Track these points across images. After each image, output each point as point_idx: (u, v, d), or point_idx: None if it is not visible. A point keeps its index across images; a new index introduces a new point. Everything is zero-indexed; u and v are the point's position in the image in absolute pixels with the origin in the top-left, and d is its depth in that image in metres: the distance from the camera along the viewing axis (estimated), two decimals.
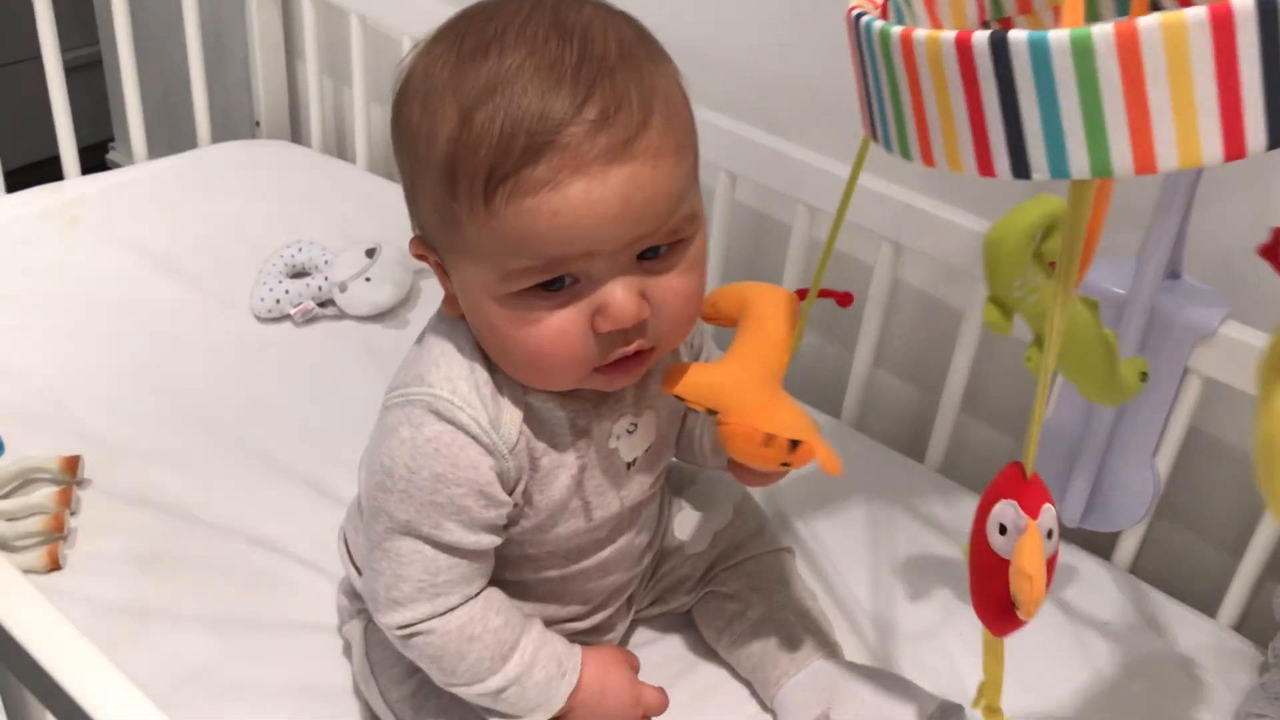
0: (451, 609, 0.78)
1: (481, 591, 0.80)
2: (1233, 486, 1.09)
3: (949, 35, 0.51)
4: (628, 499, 0.84)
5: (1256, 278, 1.01)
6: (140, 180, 1.56)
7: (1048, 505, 0.65)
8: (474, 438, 0.75)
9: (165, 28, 1.88)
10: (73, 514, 1.03)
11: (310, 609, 0.97)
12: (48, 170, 1.88)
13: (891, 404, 1.30)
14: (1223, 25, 0.48)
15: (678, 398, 0.77)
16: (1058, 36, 0.48)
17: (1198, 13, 0.47)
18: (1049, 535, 0.65)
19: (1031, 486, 0.65)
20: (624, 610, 0.94)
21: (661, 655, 0.95)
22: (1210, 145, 0.50)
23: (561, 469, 0.79)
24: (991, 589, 0.67)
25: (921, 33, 0.52)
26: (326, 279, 1.32)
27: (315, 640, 0.95)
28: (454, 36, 0.70)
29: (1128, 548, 1.08)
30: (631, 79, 0.68)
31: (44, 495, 1.03)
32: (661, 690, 0.86)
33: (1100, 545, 1.10)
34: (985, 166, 0.53)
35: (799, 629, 0.91)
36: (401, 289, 1.32)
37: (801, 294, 0.83)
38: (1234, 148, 0.50)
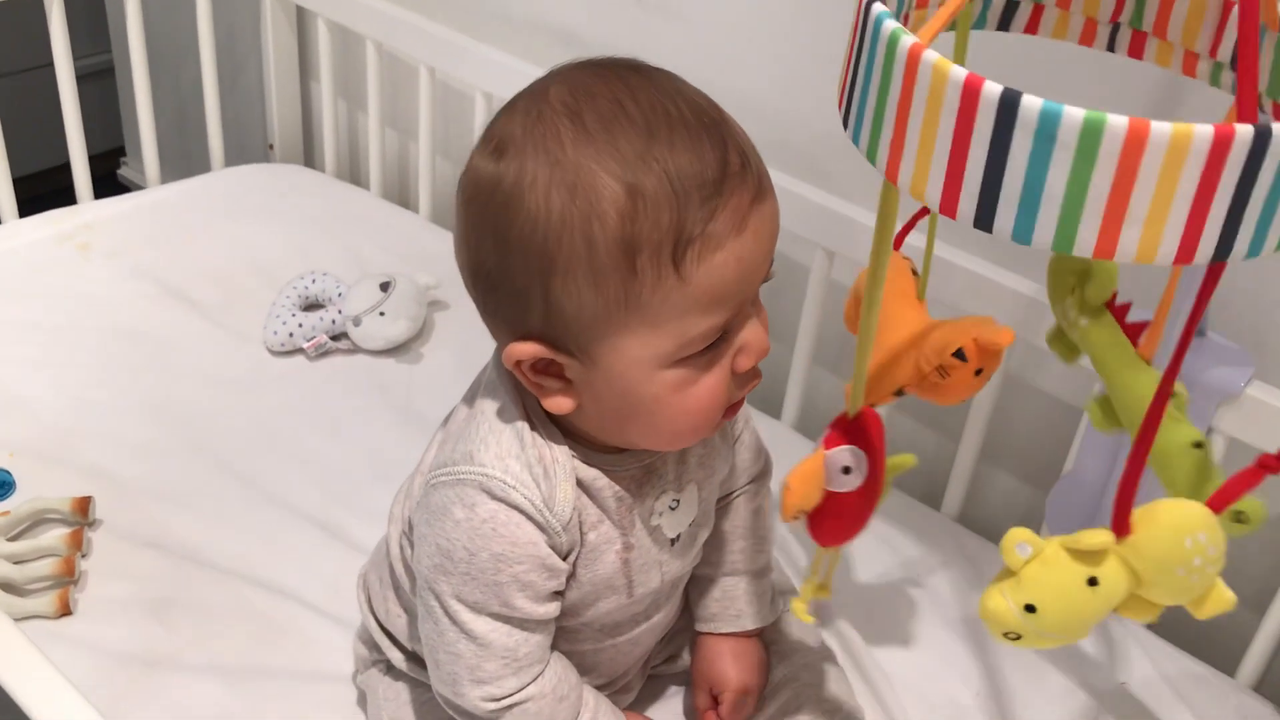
0: (539, 675, 0.78)
1: (552, 654, 0.80)
2: (1256, 545, 1.08)
3: (959, 72, 0.50)
4: (669, 575, 0.83)
5: None
6: (153, 204, 1.55)
7: (850, 446, 0.70)
8: (528, 516, 0.73)
9: (179, 45, 1.88)
10: (84, 556, 1.03)
11: (320, 658, 0.97)
12: (56, 177, 1.89)
13: (910, 450, 1.29)
14: (1222, 145, 0.49)
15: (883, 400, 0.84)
16: (1072, 113, 0.49)
17: (1205, 129, 0.49)
18: (845, 470, 0.71)
19: (848, 425, 0.71)
20: (640, 672, 0.93)
21: (671, 712, 0.94)
22: (1167, 248, 0.52)
23: (608, 544, 0.78)
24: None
25: (932, 55, 0.51)
26: (340, 312, 1.31)
27: (326, 690, 0.94)
28: (569, 120, 0.67)
29: None
30: (721, 121, 0.69)
31: (55, 537, 1.02)
32: None
33: None
34: (949, 206, 0.53)
35: (817, 691, 0.90)
36: (415, 323, 1.31)
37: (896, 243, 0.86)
38: (1185, 255, 0.52)
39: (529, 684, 0.77)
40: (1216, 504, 0.64)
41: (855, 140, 0.57)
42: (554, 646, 0.82)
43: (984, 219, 0.52)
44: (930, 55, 0.51)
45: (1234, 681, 1.02)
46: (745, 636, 0.91)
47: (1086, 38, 0.72)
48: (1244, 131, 0.48)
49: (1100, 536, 0.63)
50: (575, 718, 0.80)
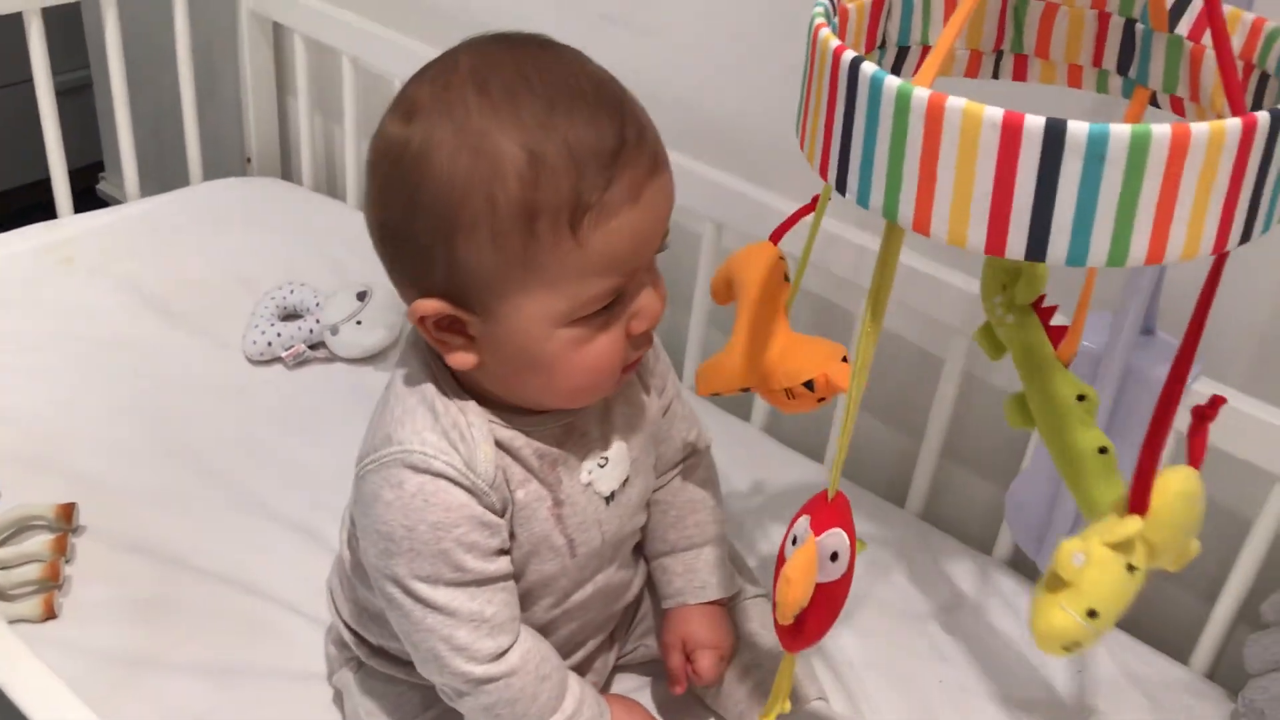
0: (514, 640, 0.80)
1: (524, 627, 0.82)
2: (1207, 537, 1.11)
3: (995, 112, 0.51)
4: (609, 533, 0.85)
5: (1229, 335, 1.04)
6: (134, 218, 1.58)
7: (838, 529, 0.68)
8: (454, 481, 0.76)
9: (157, 60, 1.90)
10: (68, 561, 1.05)
11: (302, 657, 0.99)
12: (34, 192, 1.90)
13: (874, 449, 1.32)
14: (1249, 134, 0.52)
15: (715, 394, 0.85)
16: (1119, 131, 0.50)
17: (1234, 122, 0.51)
18: (833, 557, 0.68)
19: (830, 508, 0.68)
20: (606, 645, 0.95)
21: (645, 702, 0.97)
22: (1207, 241, 0.54)
23: (538, 502, 0.81)
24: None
25: (958, 101, 0.52)
26: (318, 321, 1.34)
27: (307, 689, 0.97)
28: (475, 88, 0.70)
29: None
30: (623, 98, 0.73)
31: (39, 543, 1.04)
32: None
33: None
34: (997, 245, 0.53)
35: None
36: (393, 332, 1.34)
37: (775, 235, 0.88)
38: (1221, 244, 0.55)
39: (508, 648, 0.79)
40: (1194, 463, 0.68)
41: (864, 201, 0.57)
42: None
43: (1036, 250, 0.53)
44: (957, 101, 0.52)
45: (1187, 669, 1.06)
46: (712, 606, 0.93)
47: (972, 70, 0.75)
48: (1263, 118, 0.51)
49: (1133, 523, 0.65)
50: (559, 701, 0.82)
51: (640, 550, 0.95)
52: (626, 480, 0.85)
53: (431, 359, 0.80)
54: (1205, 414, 0.66)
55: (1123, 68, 0.71)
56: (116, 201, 2.22)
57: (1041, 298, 0.82)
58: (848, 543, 0.68)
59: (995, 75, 0.75)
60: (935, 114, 0.52)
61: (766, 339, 0.82)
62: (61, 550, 1.04)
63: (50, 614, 0.99)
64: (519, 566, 0.82)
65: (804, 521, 0.68)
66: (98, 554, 1.07)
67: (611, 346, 0.75)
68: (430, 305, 0.74)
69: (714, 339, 1.34)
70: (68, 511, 1.08)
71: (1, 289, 1.41)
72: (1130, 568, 0.65)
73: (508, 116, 0.69)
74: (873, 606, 1.08)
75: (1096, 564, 0.64)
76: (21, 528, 1.07)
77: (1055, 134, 0.50)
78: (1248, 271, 1.02)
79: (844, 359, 0.80)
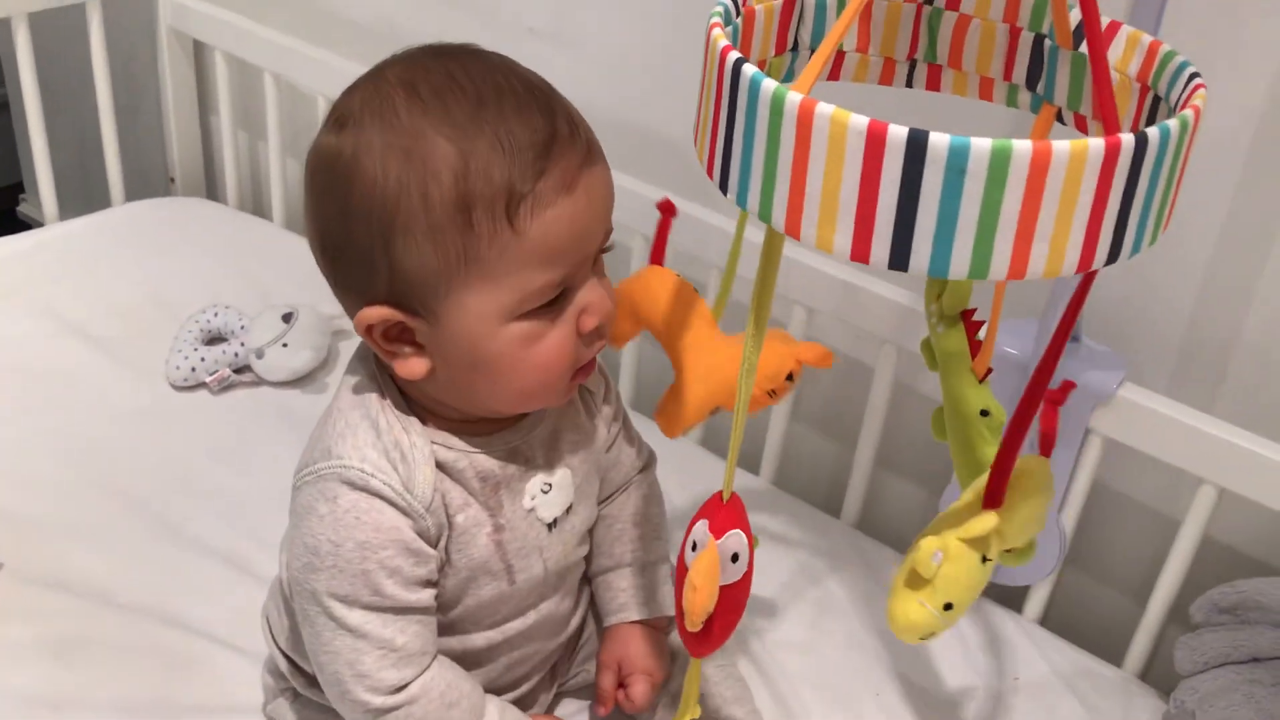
0: (422, 672, 0.78)
1: (439, 659, 0.81)
2: (1136, 538, 1.13)
3: (860, 120, 0.51)
4: (550, 561, 0.84)
5: (1152, 341, 1.05)
6: (54, 241, 1.54)
7: (737, 530, 0.68)
8: (390, 502, 0.76)
9: (77, 79, 1.86)
10: None
11: (231, 690, 0.97)
12: None
13: (809, 460, 1.32)
14: (1112, 154, 0.52)
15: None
16: (979, 145, 0.50)
17: (1097, 143, 0.51)
18: (734, 559, 0.68)
19: (726, 510, 0.69)
20: (547, 681, 0.94)
21: None
22: (1071, 259, 0.54)
23: (477, 527, 0.80)
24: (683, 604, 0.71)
25: (827, 107, 0.52)
26: (243, 345, 1.31)
27: None
28: (404, 93, 0.70)
29: (1037, 600, 1.12)
30: (552, 94, 0.74)
31: None
32: None
33: (1012, 599, 1.13)
34: (860, 253, 0.54)
35: (720, 700, 0.92)
36: (319, 353, 1.32)
37: (656, 257, 0.88)
38: (1086, 262, 0.55)
39: (411, 681, 0.78)
40: (1045, 449, 0.69)
41: (741, 202, 0.57)
42: (444, 644, 0.83)
43: (899, 260, 0.53)
44: (825, 107, 0.52)
45: (1120, 671, 1.07)
46: (654, 625, 0.92)
47: (886, 77, 0.76)
48: (1128, 140, 0.52)
49: (989, 519, 0.67)
50: None
51: (585, 581, 0.94)
52: (570, 508, 0.85)
53: (379, 372, 0.79)
54: (1055, 399, 0.68)
55: (1031, 82, 0.71)
56: (38, 223, 2.17)
57: (970, 311, 0.83)
58: (746, 543, 0.69)
59: (909, 84, 0.75)
60: (806, 119, 0.52)
61: (712, 357, 0.81)
62: None
63: None
64: (456, 592, 0.81)
65: (702, 526, 0.69)
66: (17, 591, 1.04)
67: (561, 343, 0.74)
68: (375, 313, 0.73)
69: (648, 354, 1.33)
70: None
71: None
72: (985, 559, 0.67)
73: (438, 115, 0.69)
74: (809, 618, 1.08)
75: (953, 559, 0.67)
76: None
77: (917, 144, 0.51)
78: (1169, 281, 1.03)
79: (802, 343, 0.82)
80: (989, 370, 0.82)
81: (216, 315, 1.36)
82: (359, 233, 0.71)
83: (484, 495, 0.80)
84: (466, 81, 0.71)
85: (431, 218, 0.69)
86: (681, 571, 0.69)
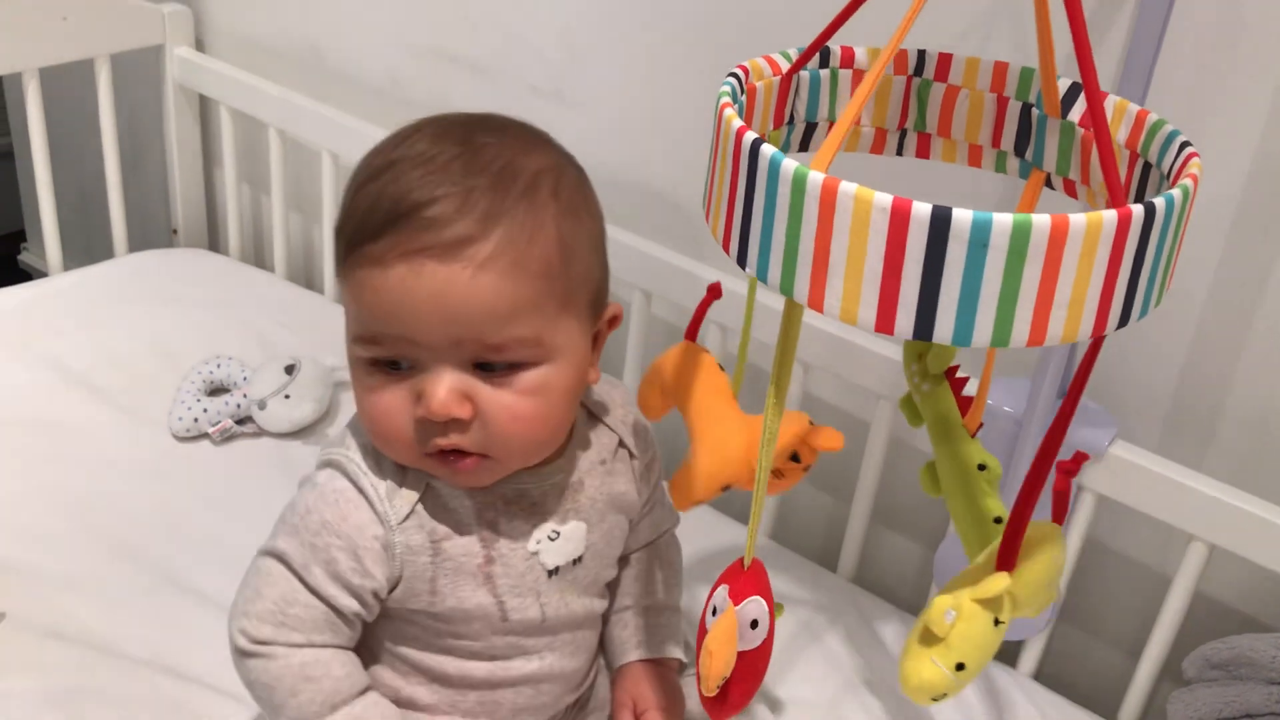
0: (296, 645, 0.81)
1: (331, 648, 0.82)
2: (1128, 594, 1.14)
3: (885, 198, 0.53)
4: (549, 608, 0.85)
5: (1142, 400, 1.07)
6: (56, 292, 1.56)
7: (757, 597, 0.70)
8: (369, 502, 0.80)
9: (81, 129, 1.89)
10: None
11: None
12: None
13: (805, 514, 1.34)
14: (1124, 224, 0.54)
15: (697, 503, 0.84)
16: (1001, 220, 0.52)
17: (1111, 214, 0.54)
18: (753, 625, 0.69)
19: (746, 576, 0.70)
20: None
21: None
22: (1086, 325, 0.56)
23: (466, 557, 0.81)
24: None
25: (850, 186, 0.53)
26: (245, 396, 1.32)
27: None
28: (392, 134, 0.78)
29: (1031, 655, 1.12)
30: (494, 193, 0.72)
31: None
32: None
33: (1006, 653, 1.14)
34: (885, 325, 0.55)
35: None
36: (321, 405, 1.33)
37: (690, 333, 0.88)
38: (1100, 327, 0.57)
39: (280, 644, 0.80)
40: (1059, 517, 0.71)
41: (761, 276, 0.58)
42: (444, 671, 0.85)
43: (923, 330, 0.55)
44: (849, 186, 0.54)
45: None
46: (667, 667, 0.93)
47: (878, 146, 0.78)
48: (1138, 211, 0.54)
49: (1001, 580, 0.68)
50: (323, 709, 0.81)
51: (601, 646, 0.95)
52: (580, 560, 0.85)
53: None
54: (1069, 469, 0.69)
55: (1020, 150, 0.74)
56: (39, 272, 2.19)
57: (955, 368, 0.84)
58: (766, 609, 0.70)
59: (899, 152, 0.78)
60: (829, 197, 0.54)
61: (728, 433, 0.82)
62: None
63: None
64: (449, 615, 0.82)
65: (722, 591, 0.69)
66: (18, 641, 1.04)
67: (389, 407, 0.76)
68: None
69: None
70: None
71: None
72: (997, 621, 0.68)
73: (368, 163, 0.76)
74: (805, 672, 1.08)
75: (966, 619, 0.67)
76: None
77: (941, 220, 0.53)
78: (1158, 341, 1.05)
79: (810, 422, 0.81)
80: (979, 425, 0.84)
81: (219, 367, 1.37)
82: None
83: (478, 525, 0.82)
84: (414, 141, 0.75)
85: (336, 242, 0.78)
86: (702, 636, 0.70)
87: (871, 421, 1.16)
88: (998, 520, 0.80)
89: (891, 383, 1.12)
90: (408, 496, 0.80)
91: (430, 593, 0.81)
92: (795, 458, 0.80)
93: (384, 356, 0.75)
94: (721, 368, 0.88)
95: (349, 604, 0.81)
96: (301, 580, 0.80)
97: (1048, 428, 0.68)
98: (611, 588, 0.94)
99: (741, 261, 0.59)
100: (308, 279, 1.71)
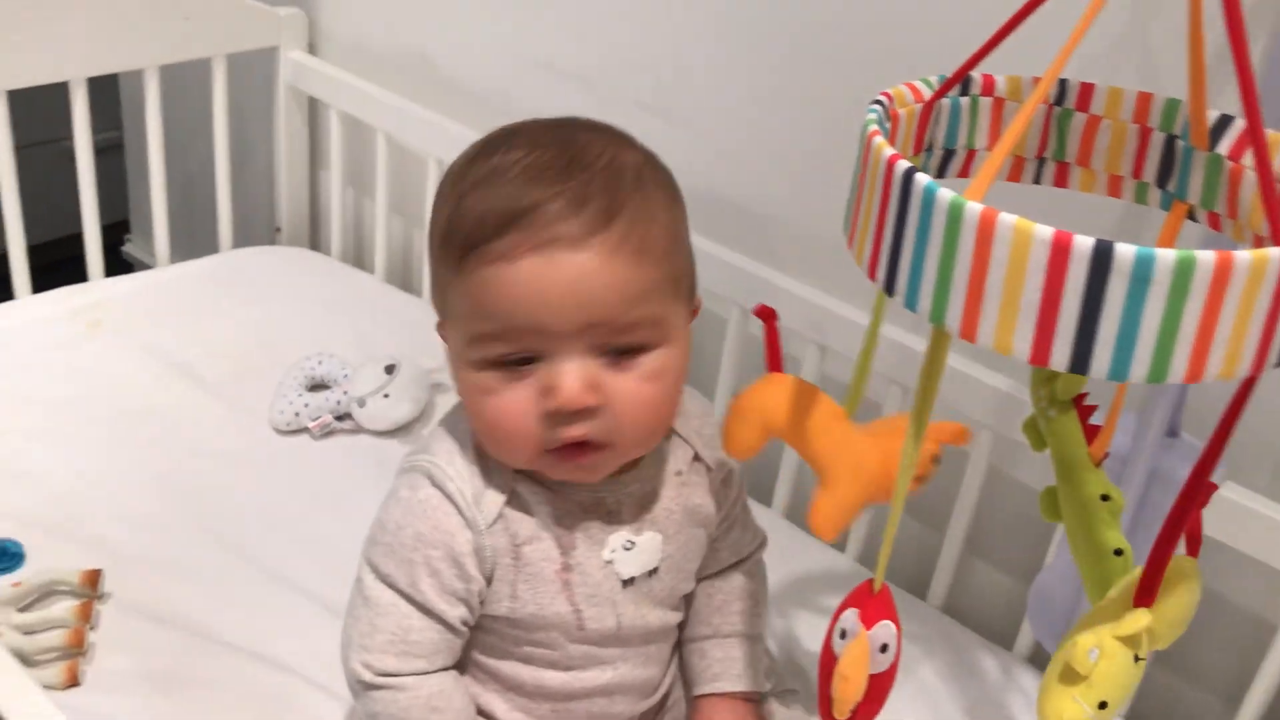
0: (420, 673, 0.81)
1: (449, 669, 0.83)
2: (1231, 638, 1.11)
3: (1045, 231, 0.53)
4: (625, 619, 0.85)
5: (1253, 440, 1.05)
6: (163, 284, 1.60)
7: (887, 621, 0.69)
8: (457, 507, 0.80)
9: (188, 125, 1.94)
10: (92, 629, 1.05)
11: None
12: (57, 249, 1.92)
13: (897, 541, 1.32)
14: None
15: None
16: (1164, 256, 0.52)
17: (1276, 252, 0.53)
18: (883, 649, 0.69)
19: (876, 600, 0.70)
20: None
21: None
22: (1244, 363, 0.56)
23: (545, 562, 0.82)
24: (828, 690, 0.71)
25: (1009, 217, 0.53)
26: (345, 393, 1.35)
27: None
28: (480, 142, 0.80)
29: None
30: (608, 187, 0.75)
31: (64, 609, 1.04)
32: None
33: None
34: (1040, 357, 0.55)
35: None
36: (418, 406, 1.35)
37: (773, 364, 0.87)
38: (1259, 365, 0.56)
39: (406, 674, 0.81)
40: (1193, 550, 0.70)
41: (911, 305, 0.58)
42: (520, 679, 0.85)
43: (1079, 363, 0.54)
44: (1008, 217, 0.53)
45: None
46: (744, 701, 0.93)
47: (1014, 175, 0.77)
48: None
49: (1143, 616, 0.67)
50: None
51: (674, 652, 0.95)
52: (654, 571, 0.86)
53: None
54: (1200, 502, 0.68)
55: (1162, 181, 0.73)
56: (142, 263, 2.25)
57: (1083, 395, 0.84)
58: (895, 633, 0.70)
59: (1037, 180, 0.77)
60: (986, 228, 0.54)
61: (861, 455, 0.81)
62: (86, 617, 1.04)
63: (73, 682, 0.99)
64: (527, 623, 0.83)
65: (852, 615, 0.69)
66: (121, 622, 1.07)
67: (513, 407, 0.76)
68: (439, 321, 0.82)
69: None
70: (93, 578, 1.08)
71: (28, 353, 1.42)
72: (1137, 658, 0.67)
73: (473, 163, 0.78)
74: (898, 703, 1.07)
75: (1108, 656, 0.67)
76: (46, 593, 1.07)
77: (1103, 255, 0.52)
78: (1269, 378, 1.03)
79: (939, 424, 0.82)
80: (1105, 455, 0.83)
81: (321, 363, 1.39)
82: (430, 247, 0.82)
83: (557, 532, 0.82)
84: (519, 141, 0.77)
85: (434, 245, 0.79)
86: (827, 657, 0.70)
87: (970, 451, 1.15)
88: (1118, 552, 0.79)
89: (994, 412, 1.11)
90: (494, 499, 0.81)
91: (511, 597, 0.82)
92: (936, 459, 0.80)
93: (509, 353, 0.75)
94: (818, 389, 0.88)
95: (460, 613, 0.82)
96: (412, 602, 0.81)
97: (1193, 466, 0.66)
98: (688, 604, 0.94)
99: (889, 289, 0.59)
100: (406, 282, 1.74)
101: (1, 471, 1.23)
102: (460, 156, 0.81)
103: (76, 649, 1.01)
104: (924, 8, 1.13)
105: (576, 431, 0.76)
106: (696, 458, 0.89)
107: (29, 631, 1.02)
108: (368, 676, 0.81)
